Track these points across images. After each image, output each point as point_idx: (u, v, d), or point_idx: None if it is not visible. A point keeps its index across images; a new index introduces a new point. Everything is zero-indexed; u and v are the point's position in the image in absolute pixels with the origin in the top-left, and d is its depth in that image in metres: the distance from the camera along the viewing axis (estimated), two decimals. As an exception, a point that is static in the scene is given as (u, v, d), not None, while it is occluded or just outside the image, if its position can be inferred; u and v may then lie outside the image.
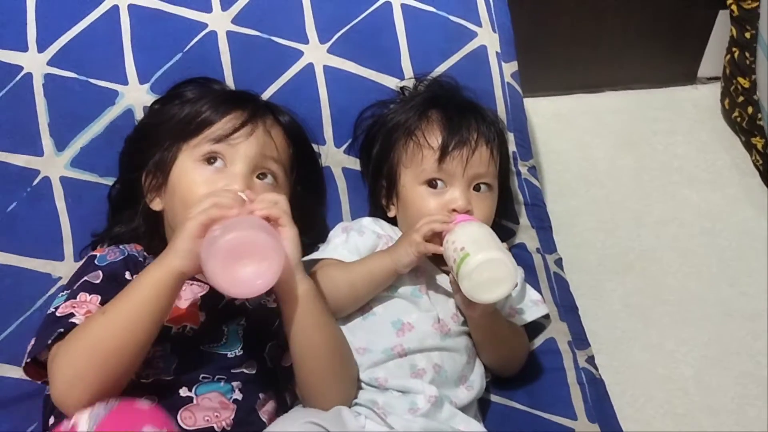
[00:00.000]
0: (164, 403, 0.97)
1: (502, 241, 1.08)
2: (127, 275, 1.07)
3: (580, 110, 2.09)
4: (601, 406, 1.18)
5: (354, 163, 1.35)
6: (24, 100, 1.27)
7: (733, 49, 1.98)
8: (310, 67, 1.36)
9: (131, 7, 1.33)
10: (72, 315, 0.98)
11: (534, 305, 1.23)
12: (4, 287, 1.21)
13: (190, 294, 1.09)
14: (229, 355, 1.07)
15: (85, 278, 1.05)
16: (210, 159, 1.10)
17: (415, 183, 1.19)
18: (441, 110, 1.22)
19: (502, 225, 1.35)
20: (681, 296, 1.72)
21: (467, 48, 1.41)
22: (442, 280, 1.16)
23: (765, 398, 1.55)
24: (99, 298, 1.02)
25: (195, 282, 1.10)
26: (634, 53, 2.09)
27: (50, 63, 1.28)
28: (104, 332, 0.93)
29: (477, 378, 1.15)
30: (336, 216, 1.34)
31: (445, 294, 1.15)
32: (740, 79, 1.95)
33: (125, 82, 1.30)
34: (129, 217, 1.19)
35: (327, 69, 1.37)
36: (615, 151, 2.01)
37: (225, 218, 0.94)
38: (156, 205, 1.16)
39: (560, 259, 1.38)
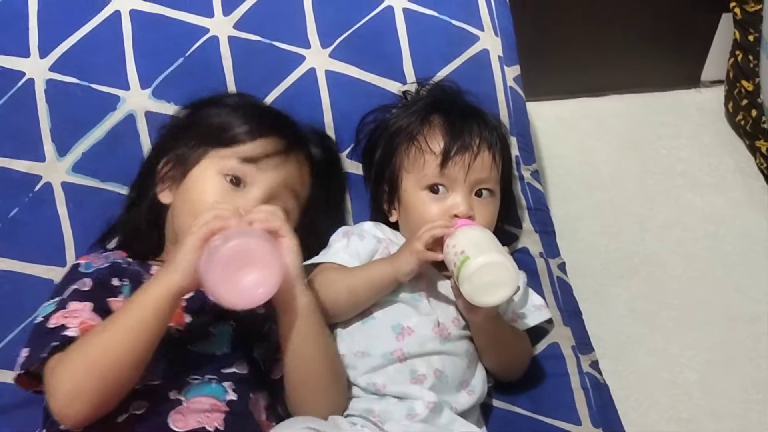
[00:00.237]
0: (154, 407, 0.98)
1: (505, 245, 1.08)
2: (115, 281, 1.07)
3: (583, 114, 2.08)
4: (605, 411, 1.18)
5: (356, 168, 1.35)
6: (26, 105, 1.27)
7: (737, 52, 1.97)
8: (311, 72, 1.36)
9: (133, 13, 1.33)
10: (64, 327, 0.98)
11: (537, 310, 1.22)
12: (6, 293, 1.21)
13: None
14: (218, 353, 1.06)
15: (74, 287, 1.05)
16: (233, 179, 1.10)
17: (417, 188, 1.18)
18: (443, 115, 1.22)
19: (505, 229, 1.35)
20: (685, 300, 1.71)
21: (469, 52, 1.41)
22: (443, 284, 1.15)
23: (766, 402, 1.54)
24: (91, 305, 1.02)
25: None
26: (637, 57, 2.08)
27: (52, 68, 1.29)
28: (105, 348, 0.93)
29: (478, 382, 1.14)
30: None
31: (446, 298, 1.15)
32: (744, 82, 1.95)
33: (127, 88, 1.30)
34: (136, 215, 1.19)
35: (329, 74, 1.36)
36: (618, 154, 2.00)
37: (224, 229, 0.94)
38: (165, 197, 1.16)
39: (563, 263, 1.37)
